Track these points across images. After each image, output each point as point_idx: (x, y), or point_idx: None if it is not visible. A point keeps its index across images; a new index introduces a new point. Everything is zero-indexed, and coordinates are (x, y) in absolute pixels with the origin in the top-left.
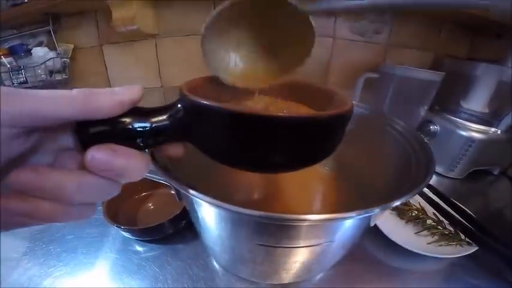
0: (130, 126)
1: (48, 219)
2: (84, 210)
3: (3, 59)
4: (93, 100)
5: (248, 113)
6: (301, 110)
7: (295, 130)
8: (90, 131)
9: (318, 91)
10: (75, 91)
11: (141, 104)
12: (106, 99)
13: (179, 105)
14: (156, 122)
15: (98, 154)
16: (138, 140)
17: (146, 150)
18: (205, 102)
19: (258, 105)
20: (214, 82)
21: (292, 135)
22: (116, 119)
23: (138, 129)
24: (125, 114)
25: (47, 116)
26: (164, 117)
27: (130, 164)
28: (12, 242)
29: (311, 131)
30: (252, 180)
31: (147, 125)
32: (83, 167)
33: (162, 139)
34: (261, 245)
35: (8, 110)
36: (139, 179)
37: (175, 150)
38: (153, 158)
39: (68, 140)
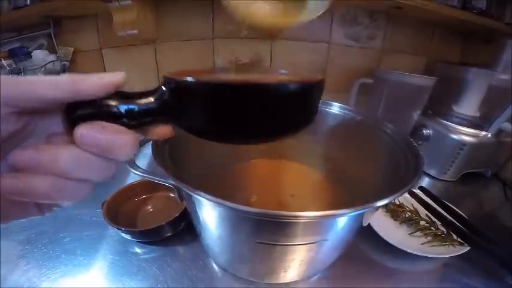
0: (116, 107)
1: (45, 196)
2: (80, 187)
3: (3, 61)
4: (79, 83)
5: (230, 82)
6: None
7: (278, 96)
8: (79, 111)
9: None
10: (64, 75)
11: None
12: (91, 81)
13: (164, 88)
14: (141, 104)
15: (86, 129)
16: (124, 120)
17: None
18: (190, 79)
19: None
20: (194, 72)
21: (275, 101)
22: (102, 101)
23: (124, 110)
24: (111, 97)
25: (40, 96)
26: (150, 99)
27: (118, 139)
28: (10, 244)
29: (288, 96)
30: (250, 183)
31: (133, 106)
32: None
33: (148, 120)
34: (260, 242)
35: (7, 91)
36: (129, 156)
37: (162, 130)
38: (158, 161)
39: (57, 125)
